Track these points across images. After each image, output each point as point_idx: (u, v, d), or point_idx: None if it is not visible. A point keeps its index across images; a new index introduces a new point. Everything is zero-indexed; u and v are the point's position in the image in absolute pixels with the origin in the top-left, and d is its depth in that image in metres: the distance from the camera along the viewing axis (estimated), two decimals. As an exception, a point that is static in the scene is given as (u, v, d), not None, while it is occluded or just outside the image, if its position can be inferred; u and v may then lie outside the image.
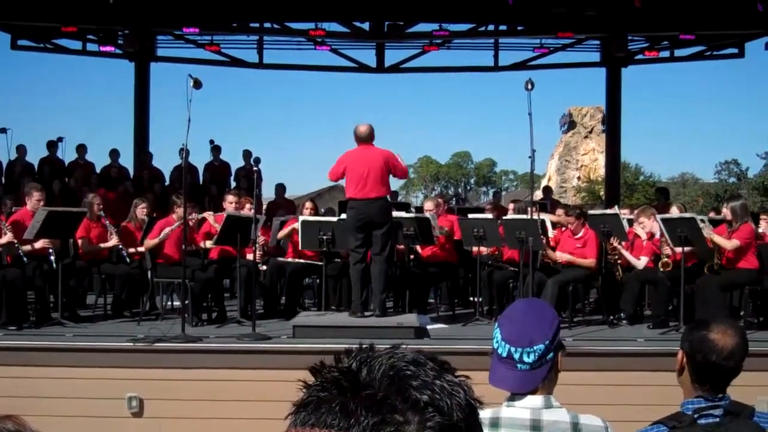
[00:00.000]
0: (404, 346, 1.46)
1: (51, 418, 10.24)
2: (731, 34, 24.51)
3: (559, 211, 14.56)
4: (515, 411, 3.51)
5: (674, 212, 14.02)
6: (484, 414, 3.48)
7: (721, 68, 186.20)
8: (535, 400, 3.50)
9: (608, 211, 14.81)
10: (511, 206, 16.17)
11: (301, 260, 14.33)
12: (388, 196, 12.78)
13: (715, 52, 26.82)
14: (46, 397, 10.54)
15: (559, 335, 3.56)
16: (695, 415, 3.52)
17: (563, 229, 14.17)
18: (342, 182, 12.84)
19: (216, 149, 23.26)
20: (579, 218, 13.66)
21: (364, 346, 1.48)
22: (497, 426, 3.51)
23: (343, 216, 13.99)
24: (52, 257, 12.64)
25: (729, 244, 12.34)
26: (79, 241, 13.87)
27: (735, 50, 26.05)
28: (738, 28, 23.20)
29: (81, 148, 22.57)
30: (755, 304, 13.37)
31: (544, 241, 13.70)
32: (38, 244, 12.60)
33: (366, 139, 12.56)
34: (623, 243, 13.97)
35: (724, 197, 18.08)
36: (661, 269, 12.95)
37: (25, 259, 12.42)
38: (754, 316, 13.30)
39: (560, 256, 13.61)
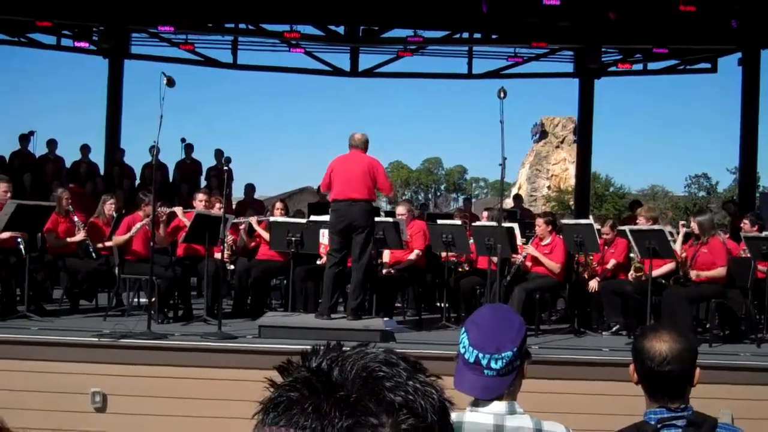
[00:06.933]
0: (373, 345, 1.45)
1: (14, 411, 10.19)
2: (705, 49, 24.69)
3: (538, 220, 14.51)
4: (479, 416, 3.51)
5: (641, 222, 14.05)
6: (448, 418, 3.48)
7: (694, 82, 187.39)
8: (499, 406, 3.50)
9: (582, 221, 14.80)
10: (484, 214, 16.19)
11: (269, 259, 14.33)
12: (371, 201, 12.76)
13: (688, 66, 27.06)
14: (9, 390, 10.49)
15: (526, 342, 3.57)
16: (658, 425, 3.53)
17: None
18: (313, 185, 12.80)
19: (188, 147, 23.25)
20: (548, 225, 13.71)
21: (332, 344, 1.45)
22: (460, 431, 3.52)
23: (313, 218, 14.02)
24: (21, 246, 12.59)
25: (716, 272, 12.49)
26: (46, 235, 13.82)
27: (708, 65, 26.29)
28: (711, 43, 23.39)
29: (51, 143, 22.48)
30: (721, 317, 13.42)
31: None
32: (4, 236, 12.53)
33: (357, 145, 12.59)
34: (593, 255, 14.03)
35: (694, 210, 18.18)
36: (633, 275, 13.08)
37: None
38: (719, 329, 13.37)
39: (530, 249, 13.66)
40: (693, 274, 12.70)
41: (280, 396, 1.38)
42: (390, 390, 1.35)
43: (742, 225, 14.45)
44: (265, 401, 1.39)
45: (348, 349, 1.44)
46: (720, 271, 12.49)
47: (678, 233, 14.06)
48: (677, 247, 13.04)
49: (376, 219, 13.77)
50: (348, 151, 12.67)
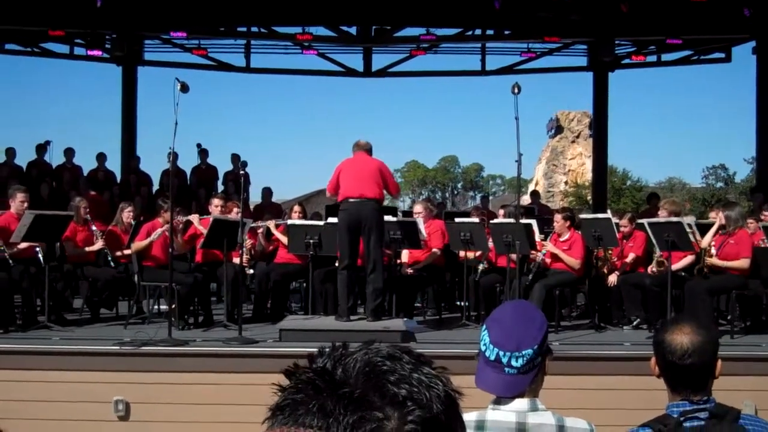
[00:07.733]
0: (378, 342, 1.46)
1: (37, 421, 10.23)
2: (718, 39, 24.54)
3: (557, 216, 14.43)
4: (501, 414, 3.50)
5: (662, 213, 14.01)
6: (470, 416, 3.48)
7: (708, 73, 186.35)
8: (521, 404, 3.49)
9: (600, 216, 14.71)
10: (500, 211, 16.12)
11: (288, 263, 14.32)
12: (381, 201, 12.73)
13: (702, 57, 26.88)
14: (33, 401, 10.51)
15: (547, 339, 3.56)
16: (681, 418, 3.51)
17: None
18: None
19: (203, 153, 23.26)
20: (566, 221, 13.65)
21: (337, 344, 1.47)
22: (483, 429, 3.51)
23: (330, 220, 13.97)
24: (40, 255, 12.63)
25: (735, 264, 12.43)
26: (65, 244, 13.86)
27: (722, 55, 26.09)
28: (725, 32, 23.23)
29: (69, 152, 22.57)
30: (742, 308, 13.37)
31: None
32: (23, 246, 12.57)
33: (363, 148, 12.64)
34: (612, 249, 13.98)
35: (711, 202, 18.06)
36: (655, 270, 13.04)
37: (11, 261, 12.38)
38: (741, 321, 13.31)
39: (549, 246, 13.61)
40: (709, 261, 12.66)
41: (285, 399, 1.40)
42: (393, 383, 1.36)
43: (762, 216, 14.38)
44: (272, 406, 1.41)
45: (353, 348, 1.44)
46: (742, 263, 12.41)
47: (695, 225, 13.99)
48: (708, 236, 12.94)
49: (394, 219, 13.77)
50: (353, 156, 12.71)
